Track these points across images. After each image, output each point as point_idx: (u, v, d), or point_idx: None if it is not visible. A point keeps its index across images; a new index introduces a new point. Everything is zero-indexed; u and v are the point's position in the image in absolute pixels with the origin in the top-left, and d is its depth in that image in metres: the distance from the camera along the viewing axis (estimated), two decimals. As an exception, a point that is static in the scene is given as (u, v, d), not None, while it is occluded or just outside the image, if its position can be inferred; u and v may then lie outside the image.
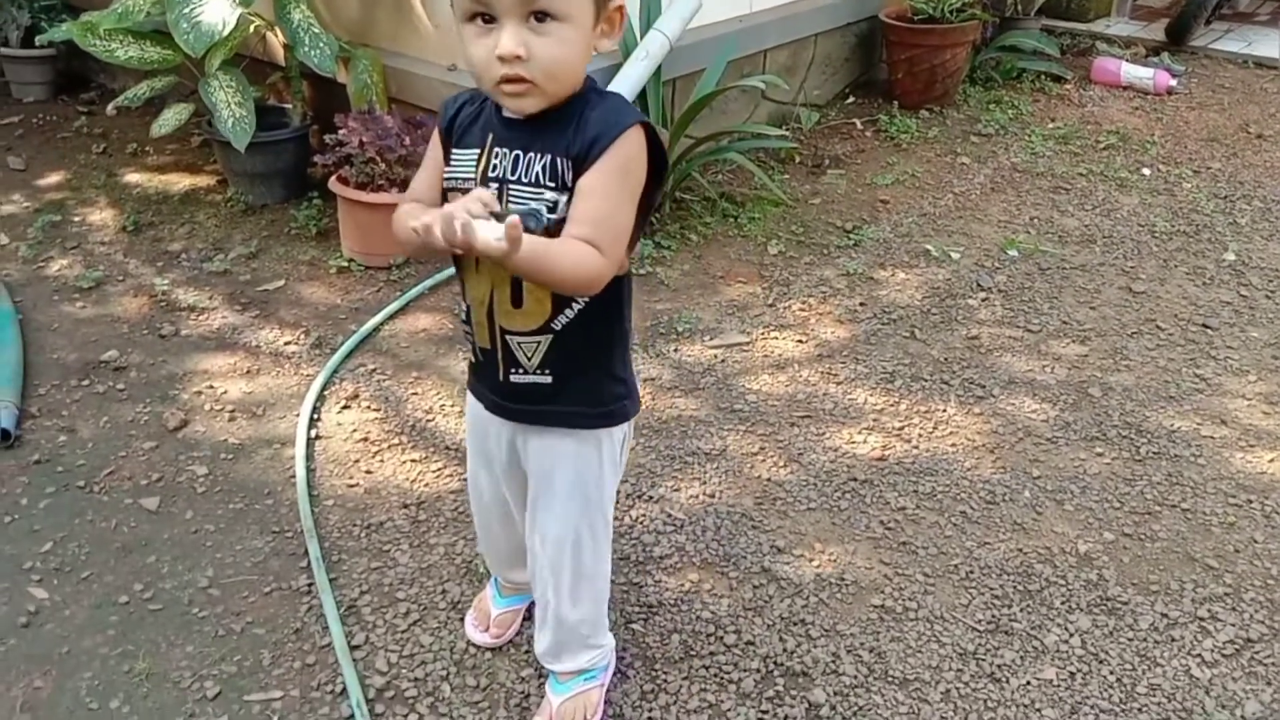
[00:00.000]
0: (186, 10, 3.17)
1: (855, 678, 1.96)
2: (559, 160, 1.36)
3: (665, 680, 1.95)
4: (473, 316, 1.52)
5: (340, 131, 3.27)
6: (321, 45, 3.31)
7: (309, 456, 2.49)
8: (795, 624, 2.07)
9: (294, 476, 2.42)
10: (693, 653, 2.00)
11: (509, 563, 1.92)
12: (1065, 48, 5.63)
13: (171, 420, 2.61)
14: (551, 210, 1.36)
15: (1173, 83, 5.13)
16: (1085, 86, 5.20)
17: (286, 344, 2.96)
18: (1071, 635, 2.07)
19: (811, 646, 2.02)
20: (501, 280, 1.44)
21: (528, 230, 1.25)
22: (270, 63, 3.88)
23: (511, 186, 1.38)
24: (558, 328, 1.47)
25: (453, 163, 1.45)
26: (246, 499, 2.37)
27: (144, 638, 2.01)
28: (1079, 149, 4.48)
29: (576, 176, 1.35)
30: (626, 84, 3.51)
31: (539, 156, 1.37)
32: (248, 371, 2.83)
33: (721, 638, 2.04)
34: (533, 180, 1.37)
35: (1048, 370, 2.93)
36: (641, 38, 3.62)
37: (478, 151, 1.42)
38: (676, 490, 2.43)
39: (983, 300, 3.27)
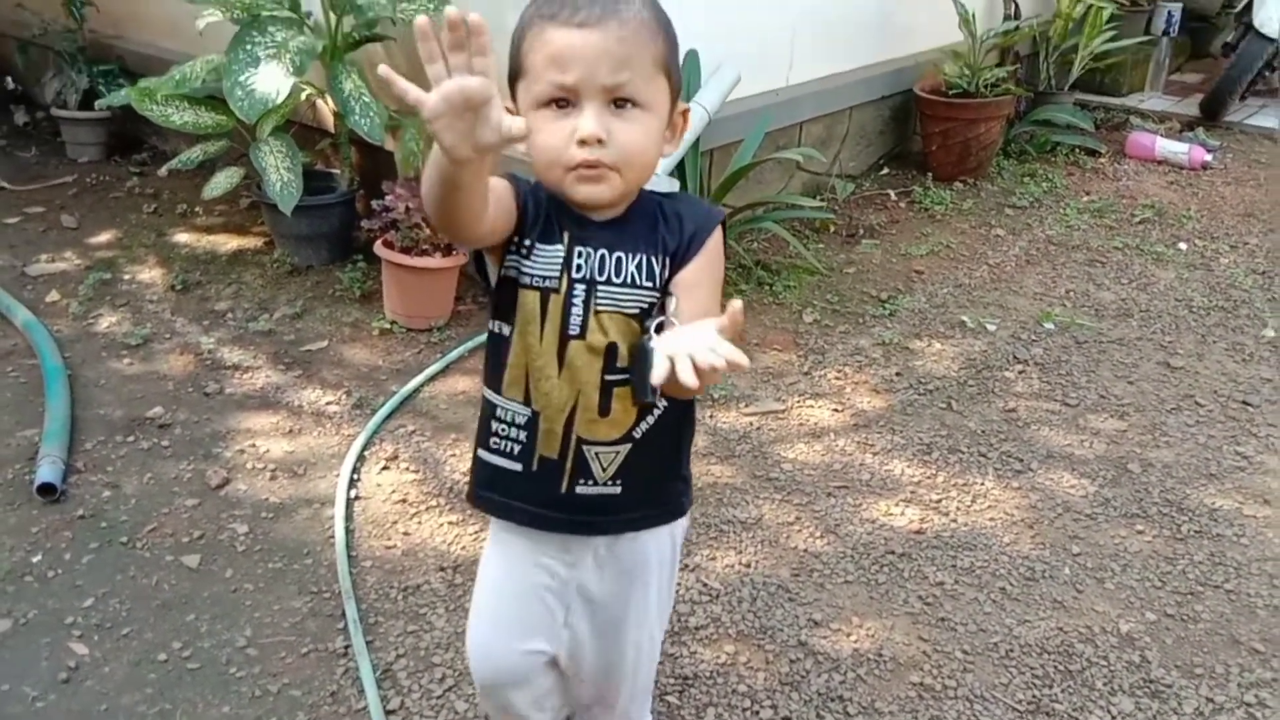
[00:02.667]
0: (242, 78, 3.28)
1: (893, 756, 1.93)
2: (653, 258, 1.31)
3: (701, 754, 1.93)
4: (540, 425, 1.37)
5: (387, 197, 3.34)
6: (371, 114, 3.40)
7: (348, 517, 2.52)
8: (833, 700, 2.05)
9: (333, 537, 2.44)
10: (728, 726, 1.99)
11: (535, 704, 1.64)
12: (1099, 122, 5.68)
13: (214, 478, 2.65)
14: (659, 330, 1.27)
15: (1208, 158, 5.15)
16: (1120, 160, 5.23)
17: (328, 404, 3.00)
18: (1114, 718, 2.04)
19: (849, 723, 2.00)
20: (590, 385, 1.34)
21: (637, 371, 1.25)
22: (320, 129, 3.98)
23: (601, 288, 1.30)
24: (638, 435, 1.38)
25: (534, 256, 1.31)
26: (286, 558, 2.39)
27: (182, 697, 2.02)
28: (1114, 223, 4.49)
29: (673, 274, 1.30)
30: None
31: (630, 256, 1.31)
32: (290, 431, 2.87)
33: (758, 713, 2.02)
34: (626, 280, 1.31)
35: (1086, 445, 2.91)
36: (681, 109, 3.68)
37: (561, 249, 1.31)
38: (712, 559, 2.42)
39: (1019, 373, 3.27)
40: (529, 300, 1.32)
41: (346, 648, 2.13)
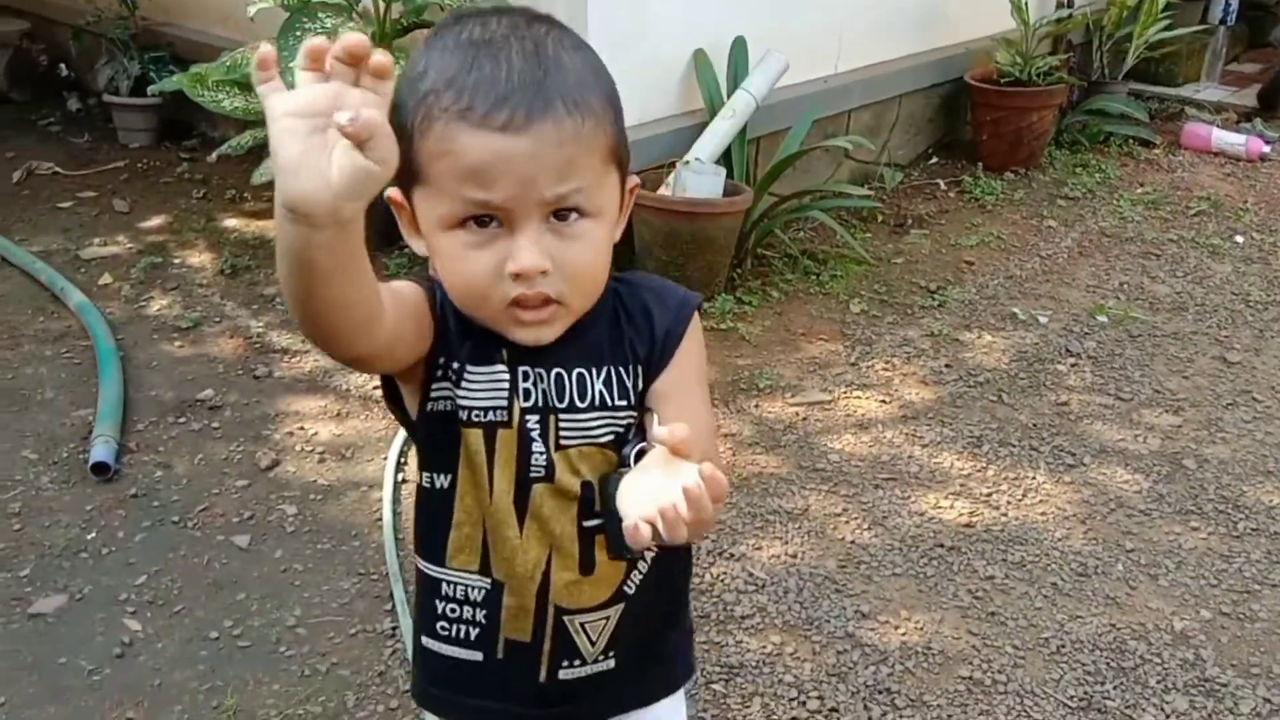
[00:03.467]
0: (293, 64, 3.29)
1: (942, 751, 1.91)
2: (623, 370, 1.04)
3: (747, 743, 1.92)
4: (504, 600, 1.07)
5: (433, 183, 3.35)
6: (419, 99, 3.40)
7: (395, 500, 2.53)
8: (880, 692, 2.03)
9: (380, 519, 2.46)
10: (774, 717, 1.98)
11: None
12: (1154, 112, 5.56)
13: (264, 460, 2.67)
14: (640, 458, 0.95)
15: (1266, 149, 5.03)
16: (1174, 152, 5.13)
17: (375, 388, 3.01)
18: (1168, 717, 2.00)
19: (898, 717, 1.98)
20: (566, 538, 1.05)
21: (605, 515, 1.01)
22: (367, 115, 3.99)
23: (564, 417, 1.03)
24: (631, 590, 1.09)
25: (468, 383, 1.01)
26: (334, 540, 2.41)
27: (233, 674, 2.04)
28: (1169, 215, 4.40)
29: (648, 384, 1.05)
30: (713, 141, 3.55)
31: (594, 371, 1.03)
32: (337, 414, 2.89)
33: (804, 703, 2.01)
34: (594, 402, 1.03)
35: (1140, 440, 2.86)
36: (728, 96, 3.67)
37: (504, 371, 1.01)
38: (758, 549, 2.41)
39: (1072, 366, 3.22)
40: (472, 440, 1.02)
41: (394, 629, 2.15)
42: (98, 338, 3.15)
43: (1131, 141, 5.14)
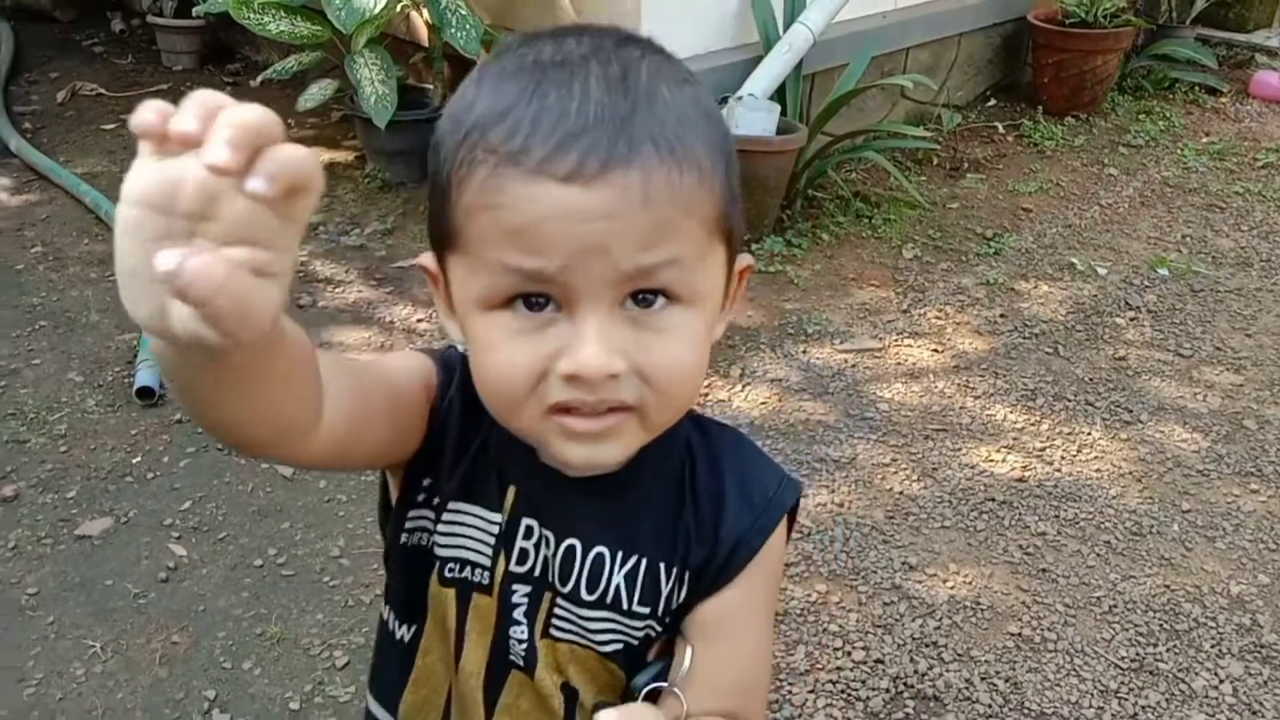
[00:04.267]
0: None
1: (989, 707, 1.89)
2: (662, 568, 0.78)
3: (790, 692, 1.90)
4: None
5: (481, 113, 3.28)
6: (468, 28, 3.32)
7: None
8: (927, 645, 2.00)
9: (423, 454, 2.44)
10: (819, 666, 1.95)
11: None
12: (1222, 59, 5.35)
13: (307, 390, 2.66)
14: (653, 699, 0.78)
15: (1340, 100, 4.84)
16: (1242, 100, 4.94)
17: (419, 321, 2.98)
18: (1222, 681, 1.96)
19: (944, 670, 1.95)
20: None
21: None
22: (413, 43, 3.92)
23: (564, 604, 0.79)
24: None
25: (448, 522, 0.80)
26: (377, 473, 2.39)
27: (276, 602, 2.04)
28: (1235, 166, 4.25)
29: (693, 598, 0.79)
30: (767, 77, 3.45)
31: (619, 558, 0.78)
32: (382, 346, 2.87)
33: (850, 653, 1.98)
34: (604, 599, 0.78)
35: (1199, 398, 2.78)
36: (785, 30, 3.55)
37: (497, 518, 0.79)
38: (804, 496, 2.37)
39: (1131, 320, 3.13)
40: (442, 600, 0.81)
41: (437, 564, 2.14)
42: (142, 262, 3.13)
43: (1198, 89, 4.96)
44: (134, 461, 2.41)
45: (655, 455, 0.75)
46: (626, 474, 0.75)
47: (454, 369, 0.78)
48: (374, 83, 3.40)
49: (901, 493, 2.39)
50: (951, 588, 2.14)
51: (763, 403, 2.66)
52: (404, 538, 0.81)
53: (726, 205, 0.70)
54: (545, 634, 0.79)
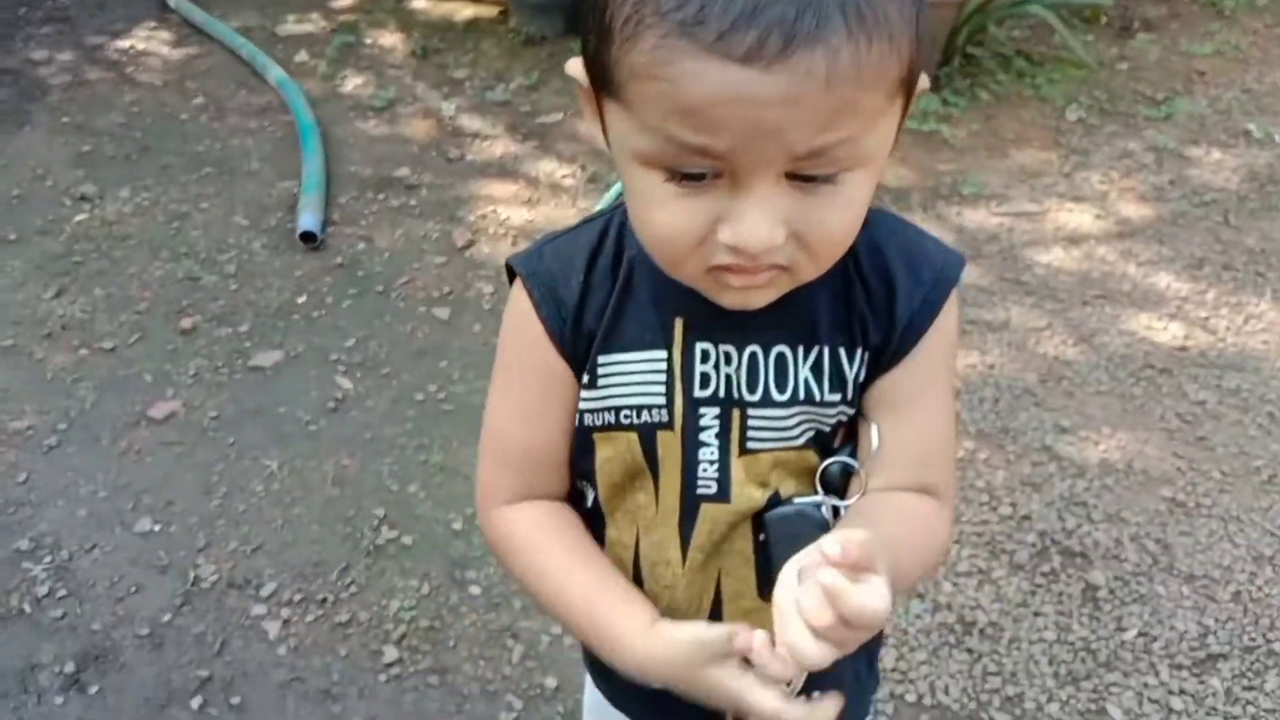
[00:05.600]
0: None
1: (1138, 566, 1.87)
2: (842, 352, 0.78)
3: (935, 541, 1.91)
4: None
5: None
6: None
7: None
8: (1076, 505, 1.98)
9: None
10: (964, 519, 1.96)
11: None
12: None
13: (460, 239, 2.73)
14: (843, 482, 0.80)
15: None
16: None
17: (563, 176, 3.00)
18: (1389, 557, 1.89)
19: (1093, 529, 1.93)
20: (739, 562, 0.83)
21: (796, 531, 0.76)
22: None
23: (755, 412, 0.78)
24: None
25: (605, 382, 0.80)
26: (528, 318, 2.46)
27: (438, 433, 2.14)
28: None
29: (872, 376, 0.79)
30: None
31: (802, 352, 0.78)
32: (527, 200, 2.91)
33: (995, 508, 1.98)
34: (796, 395, 0.78)
35: (1384, 273, 2.61)
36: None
37: (662, 354, 0.78)
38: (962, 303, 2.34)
39: (1311, 189, 2.93)
40: (616, 448, 0.81)
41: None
42: (299, 112, 3.22)
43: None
44: (299, 301, 2.53)
45: None
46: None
47: (541, 257, 0.81)
48: (521, -67, 3.35)
49: (1056, 357, 2.33)
50: (1104, 451, 2.10)
51: (911, 263, 2.61)
52: (586, 419, 0.81)
53: (913, 59, 0.65)
54: (743, 451, 0.78)
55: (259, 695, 1.68)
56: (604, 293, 0.79)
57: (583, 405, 0.80)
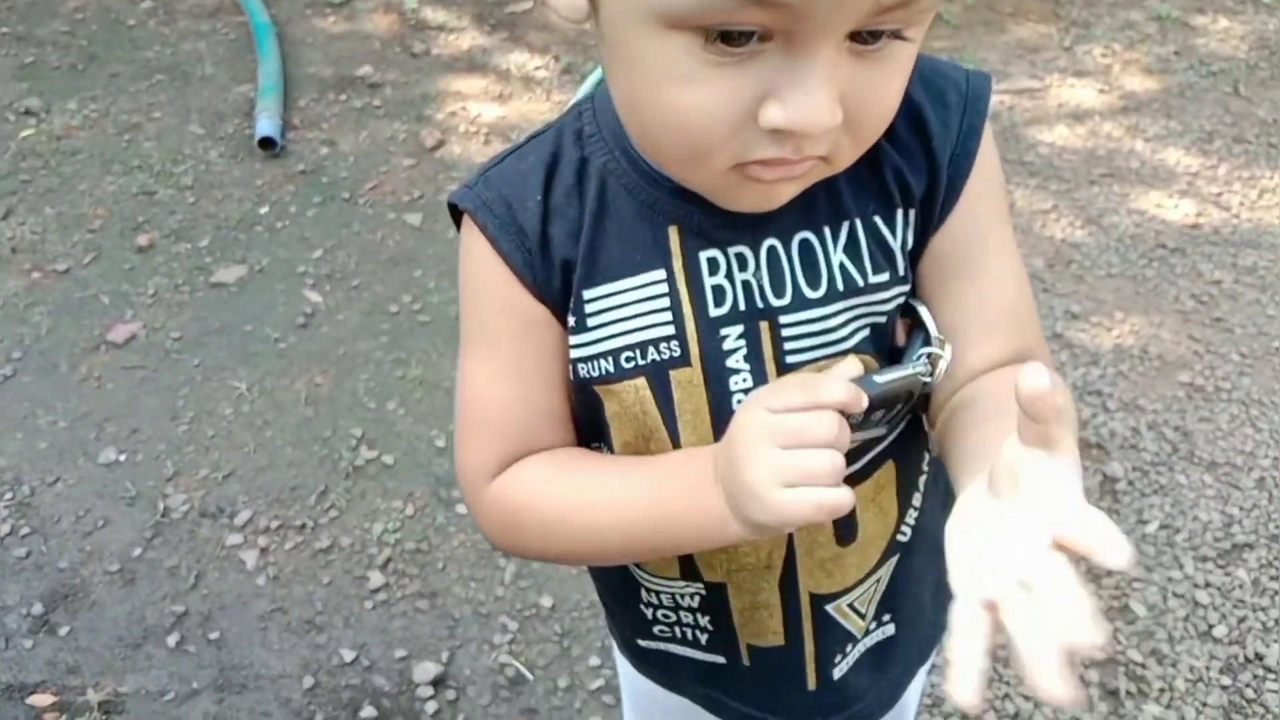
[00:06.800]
0: None
1: (1157, 455, 1.78)
2: (885, 221, 0.65)
3: (943, 438, 1.82)
4: (733, 604, 0.74)
5: None
6: None
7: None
8: (1091, 394, 1.89)
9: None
10: (973, 413, 1.87)
11: None
12: None
13: (428, 139, 2.57)
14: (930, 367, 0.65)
15: None
16: None
17: (536, 69, 2.83)
18: None
19: (1109, 419, 1.84)
20: None
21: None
22: None
23: (787, 318, 0.65)
24: (906, 536, 0.75)
25: (595, 320, 0.66)
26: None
27: (415, 346, 2.03)
28: None
29: (923, 239, 0.66)
30: None
31: (831, 234, 0.64)
32: (499, 95, 2.74)
33: (1006, 401, 1.88)
34: (835, 287, 0.65)
35: (1403, 139, 2.49)
36: None
37: (660, 274, 0.65)
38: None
39: (1325, 55, 2.79)
40: (622, 401, 0.67)
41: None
42: (252, 12, 3.02)
43: None
44: (261, 211, 2.38)
45: None
46: None
47: (493, 193, 0.65)
48: None
49: (1063, 240, 2.22)
50: (1117, 337, 2.00)
51: (908, 148, 2.48)
52: (581, 370, 0.67)
53: None
54: (781, 369, 0.65)
55: (239, 628, 1.59)
56: (574, 213, 0.65)
57: (574, 353, 0.66)
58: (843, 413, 0.56)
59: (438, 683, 1.50)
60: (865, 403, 0.57)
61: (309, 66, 2.87)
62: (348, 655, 1.55)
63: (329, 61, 2.89)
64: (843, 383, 0.56)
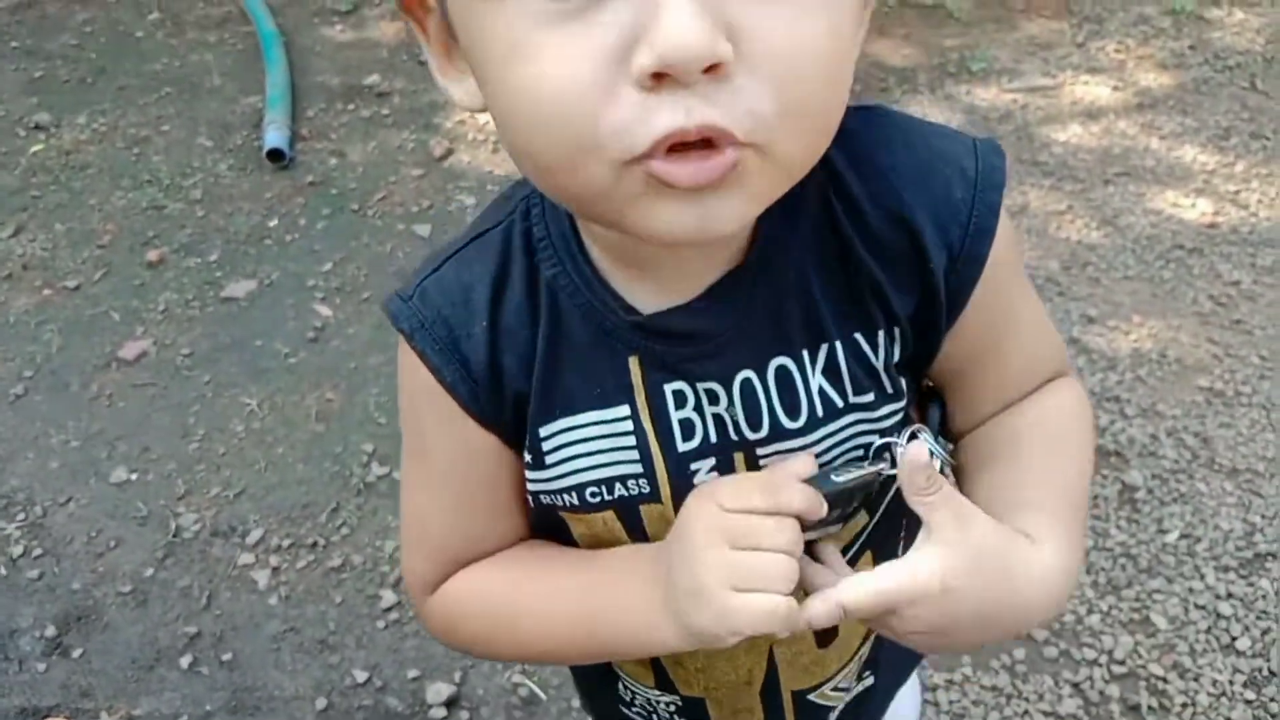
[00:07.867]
0: None
1: (1176, 462, 1.76)
2: (867, 339, 0.59)
3: (959, 447, 1.80)
4: (712, 714, 0.74)
5: None
6: None
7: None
8: (1109, 400, 1.87)
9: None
10: (989, 421, 1.84)
11: None
12: None
13: (437, 149, 2.56)
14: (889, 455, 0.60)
15: None
16: None
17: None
18: None
19: (1127, 426, 1.82)
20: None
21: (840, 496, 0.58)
22: None
23: (765, 449, 0.60)
24: None
25: (554, 458, 0.61)
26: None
27: (425, 361, 2.02)
28: None
29: (928, 344, 0.61)
30: None
31: (809, 355, 0.59)
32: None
33: (1022, 408, 1.86)
34: (817, 412, 0.59)
35: None
36: None
37: (624, 411, 0.59)
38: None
39: (1344, 47, 2.75)
40: (591, 527, 0.63)
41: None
42: (259, 21, 3.02)
43: None
44: (271, 224, 2.38)
45: (779, 201, 0.50)
46: (756, 248, 0.55)
47: (432, 312, 0.59)
48: None
49: (1079, 242, 2.19)
50: (1135, 341, 1.97)
51: (920, 150, 2.45)
52: (543, 499, 0.63)
53: None
54: None
55: (251, 649, 1.59)
56: (526, 334, 0.58)
57: (532, 486, 0.62)
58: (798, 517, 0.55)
59: (451, 703, 1.49)
60: (824, 510, 0.56)
61: (317, 75, 2.86)
62: (360, 676, 1.54)
63: (337, 70, 2.88)
64: (804, 489, 0.55)
